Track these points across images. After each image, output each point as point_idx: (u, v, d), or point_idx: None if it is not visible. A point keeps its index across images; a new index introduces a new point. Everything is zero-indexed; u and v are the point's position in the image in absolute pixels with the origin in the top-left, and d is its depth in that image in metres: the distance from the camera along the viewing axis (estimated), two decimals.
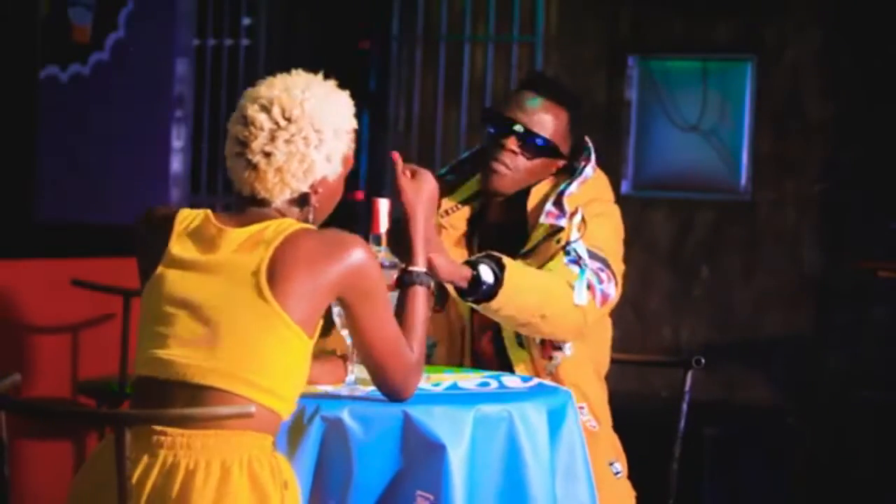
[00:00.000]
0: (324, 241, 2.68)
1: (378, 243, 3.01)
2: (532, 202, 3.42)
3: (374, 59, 6.73)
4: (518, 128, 3.38)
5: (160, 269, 2.72)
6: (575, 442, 3.04)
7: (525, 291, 3.17)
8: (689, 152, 6.29)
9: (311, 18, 6.70)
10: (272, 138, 2.70)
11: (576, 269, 3.28)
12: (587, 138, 3.51)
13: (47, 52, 5.59)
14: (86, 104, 5.68)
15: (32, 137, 5.46)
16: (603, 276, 3.31)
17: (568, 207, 3.34)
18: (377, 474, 2.81)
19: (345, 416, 2.81)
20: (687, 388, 3.71)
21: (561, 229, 3.33)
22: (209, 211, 2.76)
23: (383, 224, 3.01)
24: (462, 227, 3.50)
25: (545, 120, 3.40)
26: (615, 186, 5.90)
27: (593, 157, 3.46)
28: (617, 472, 3.42)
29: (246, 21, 6.54)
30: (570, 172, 3.45)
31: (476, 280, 3.14)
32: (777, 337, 6.12)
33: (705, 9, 6.23)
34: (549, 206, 3.35)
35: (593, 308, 3.28)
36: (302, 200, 2.76)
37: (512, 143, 3.38)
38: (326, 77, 2.85)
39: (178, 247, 2.72)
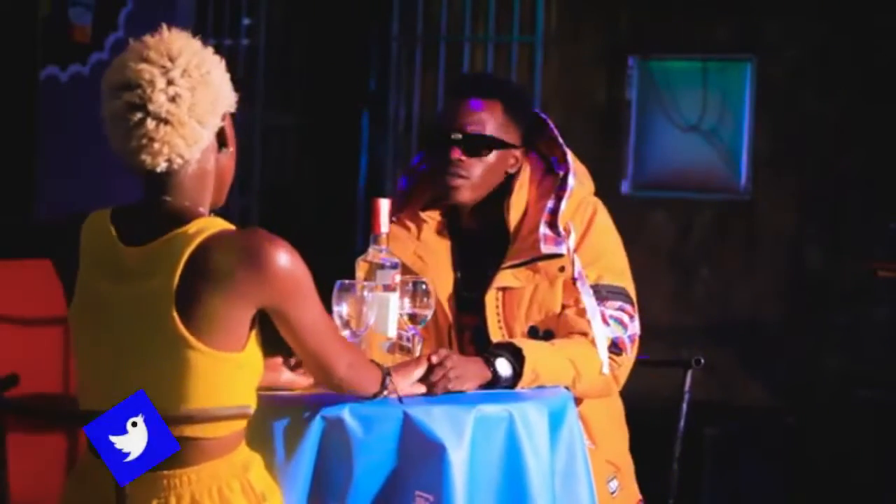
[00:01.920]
0: (236, 252, 2.49)
1: (378, 243, 3.01)
2: (514, 213, 3.38)
3: (374, 59, 6.73)
4: (455, 136, 3.35)
5: (73, 308, 2.61)
6: (575, 443, 3.04)
7: (549, 374, 3.17)
8: (689, 152, 6.29)
9: (311, 18, 6.70)
10: (169, 80, 2.50)
11: (606, 331, 3.27)
12: (549, 121, 3.47)
13: (47, 52, 5.59)
14: (86, 104, 5.67)
15: (32, 137, 5.46)
16: (625, 317, 3.32)
17: (562, 229, 3.32)
18: (377, 474, 2.80)
19: (345, 415, 2.81)
20: (687, 388, 3.71)
21: (562, 255, 3.31)
22: (111, 226, 2.58)
23: (384, 224, 3.00)
24: (438, 217, 3.47)
25: (479, 118, 3.36)
26: (615, 186, 5.90)
27: (569, 159, 3.41)
28: (612, 491, 3.41)
29: (246, 21, 6.54)
30: (546, 168, 3.43)
31: (496, 375, 3.12)
32: (777, 337, 6.12)
33: (705, 9, 6.23)
34: (543, 230, 3.32)
35: (626, 359, 3.32)
36: (217, 142, 2.60)
37: (455, 153, 3.35)
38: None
39: (84, 282, 2.58)
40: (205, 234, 2.51)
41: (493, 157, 3.38)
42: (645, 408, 3.54)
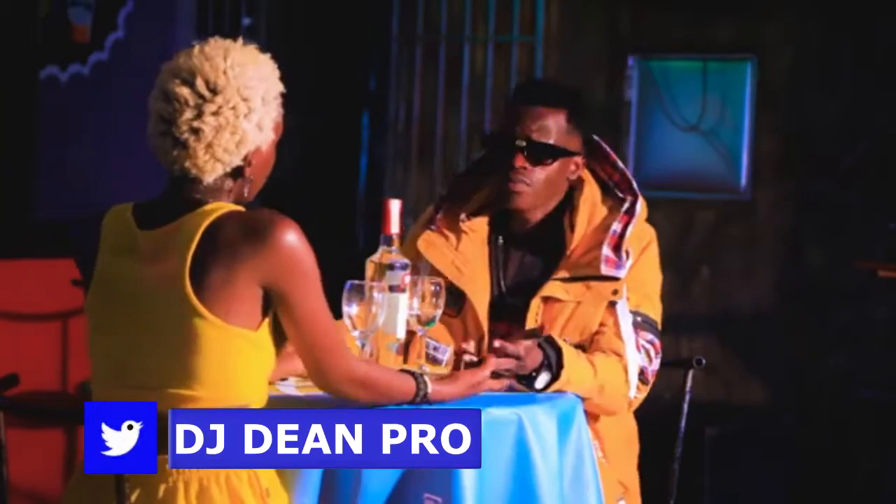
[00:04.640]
0: (243, 226, 2.54)
1: (389, 244, 3.01)
2: (579, 229, 3.40)
3: (374, 59, 6.73)
4: (520, 143, 3.37)
5: (90, 294, 2.65)
6: (583, 446, 3.05)
7: (576, 385, 3.19)
8: (689, 152, 6.29)
9: (311, 19, 6.70)
10: (199, 113, 2.55)
11: (637, 357, 3.29)
12: (602, 143, 3.50)
13: (47, 52, 5.59)
14: (86, 104, 5.67)
15: (32, 137, 5.46)
16: (652, 352, 3.34)
17: (624, 253, 3.34)
18: (386, 476, 2.81)
19: None
20: (687, 388, 3.71)
21: (618, 279, 3.33)
22: (131, 216, 2.63)
23: (395, 225, 3.00)
24: (484, 230, 3.48)
25: (544, 126, 3.39)
26: None
27: (635, 186, 3.45)
28: None
29: (246, 21, 6.54)
30: (606, 191, 3.45)
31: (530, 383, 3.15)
32: (777, 336, 6.12)
33: (705, 9, 6.23)
34: (606, 251, 3.33)
35: (646, 390, 3.36)
36: (236, 173, 2.62)
37: (520, 160, 3.37)
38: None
39: (103, 267, 2.63)
40: (218, 213, 2.56)
41: (555, 165, 3.40)
42: (645, 408, 3.53)
